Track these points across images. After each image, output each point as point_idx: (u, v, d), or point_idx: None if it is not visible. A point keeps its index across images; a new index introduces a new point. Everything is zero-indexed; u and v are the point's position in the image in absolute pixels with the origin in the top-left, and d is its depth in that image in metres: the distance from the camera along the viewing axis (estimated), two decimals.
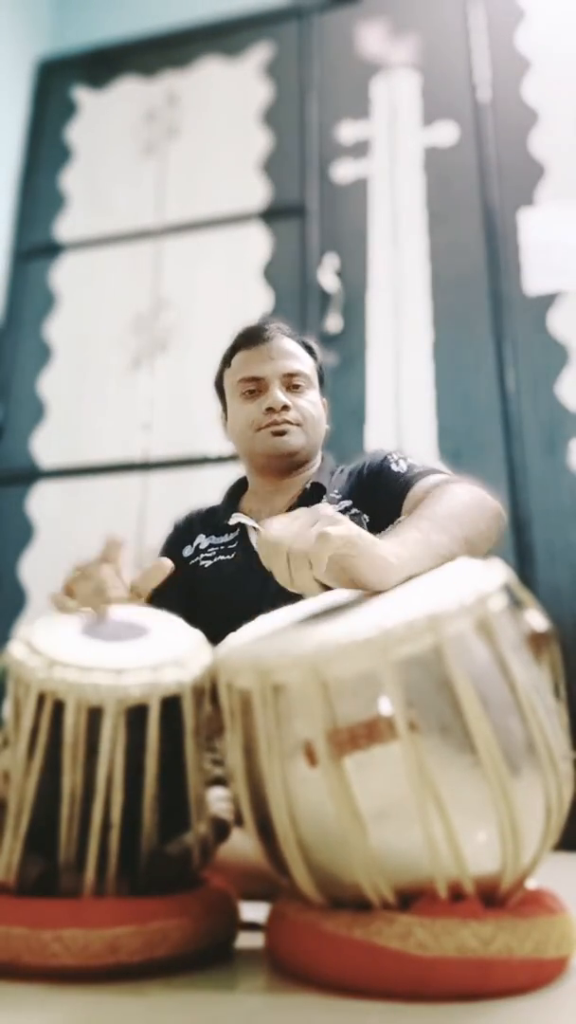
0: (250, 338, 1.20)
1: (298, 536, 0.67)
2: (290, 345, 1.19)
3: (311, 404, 1.18)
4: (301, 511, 0.72)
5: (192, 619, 0.80)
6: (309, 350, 1.23)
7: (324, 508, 0.70)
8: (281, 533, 0.68)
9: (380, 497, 1.07)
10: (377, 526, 1.04)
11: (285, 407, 1.14)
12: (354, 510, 1.10)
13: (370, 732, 0.55)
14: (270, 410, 1.14)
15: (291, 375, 1.16)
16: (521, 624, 0.63)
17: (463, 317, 2.14)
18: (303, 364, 1.19)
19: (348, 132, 2.42)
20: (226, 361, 1.23)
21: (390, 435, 2.07)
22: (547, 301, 2.08)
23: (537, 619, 0.64)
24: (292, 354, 1.18)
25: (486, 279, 2.15)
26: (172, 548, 1.24)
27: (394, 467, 1.08)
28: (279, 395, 1.14)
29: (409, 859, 0.56)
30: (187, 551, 1.21)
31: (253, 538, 1.16)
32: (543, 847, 0.61)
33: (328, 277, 2.26)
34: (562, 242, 2.12)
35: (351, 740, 0.55)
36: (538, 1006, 0.55)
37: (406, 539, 0.74)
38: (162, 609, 0.83)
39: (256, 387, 1.16)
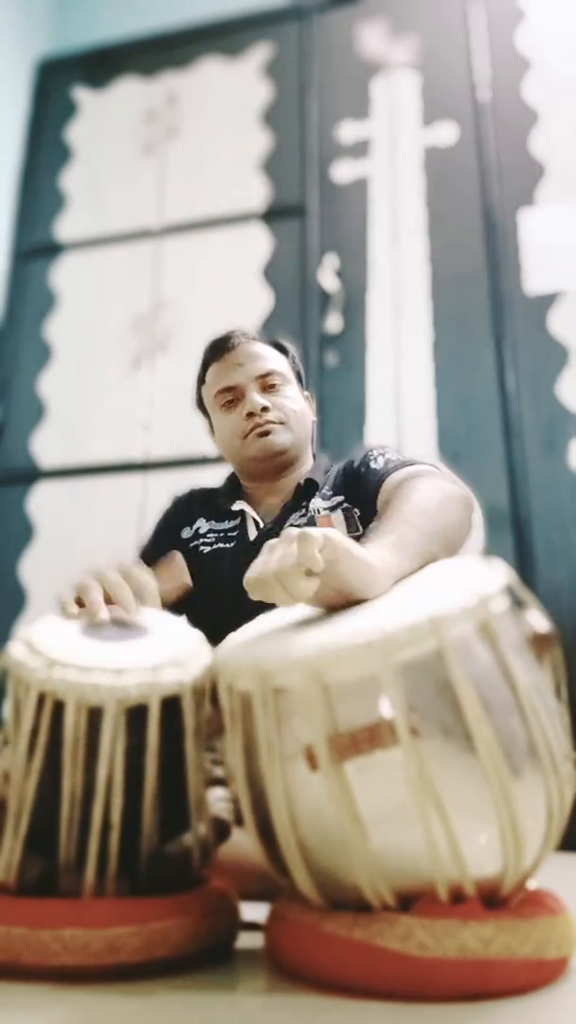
0: (217, 350, 1.20)
1: (281, 558, 0.64)
2: (258, 347, 1.19)
3: (290, 400, 1.18)
4: (272, 542, 0.68)
5: (189, 603, 0.79)
6: (281, 349, 1.23)
7: (291, 530, 0.69)
8: (262, 568, 0.65)
9: (361, 495, 1.08)
10: (365, 522, 1.05)
11: (265, 408, 1.14)
12: (345, 505, 1.10)
13: (371, 737, 0.55)
14: (251, 415, 1.14)
15: (264, 376, 1.17)
16: (523, 625, 0.63)
17: (463, 317, 2.14)
18: (275, 363, 1.19)
19: (348, 132, 2.42)
20: (200, 379, 1.24)
21: (390, 435, 2.07)
22: (547, 301, 2.07)
23: (539, 620, 0.64)
24: (261, 355, 1.19)
25: (486, 279, 2.15)
26: (170, 526, 1.23)
27: (373, 464, 1.08)
28: (256, 398, 1.14)
29: (410, 862, 0.56)
30: (186, 533, 1.21)
31: (251, 529, 1.16)
32: (544, 849, 0.60)
33: (328, 277, 2.26)
34: (562, 242, 2.11)
35: (352, 745, 0.55)
36: (538, 1006, 0.55)
37: (387, 542, 0.73)
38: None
39: (233, 396, 1.17)
